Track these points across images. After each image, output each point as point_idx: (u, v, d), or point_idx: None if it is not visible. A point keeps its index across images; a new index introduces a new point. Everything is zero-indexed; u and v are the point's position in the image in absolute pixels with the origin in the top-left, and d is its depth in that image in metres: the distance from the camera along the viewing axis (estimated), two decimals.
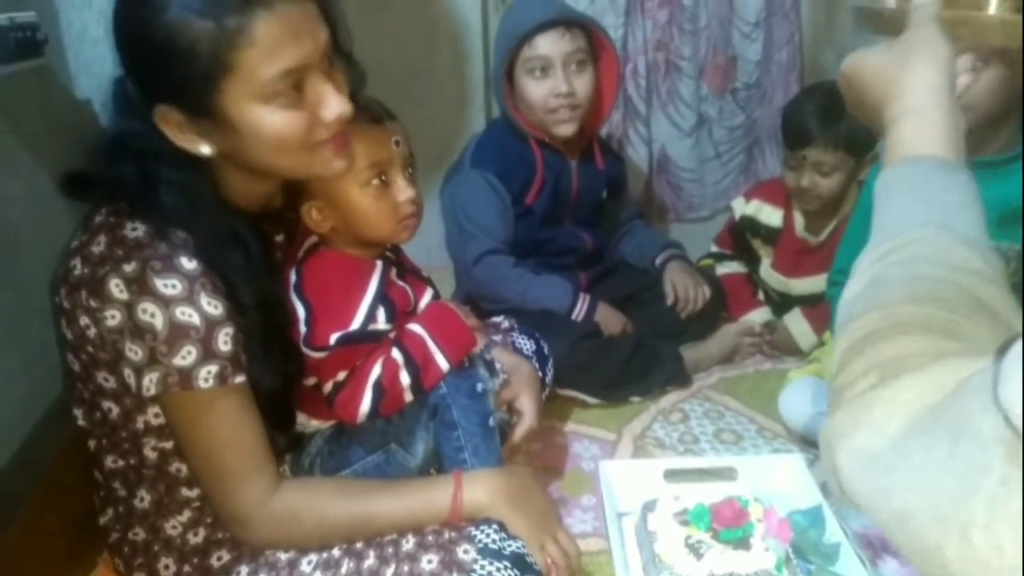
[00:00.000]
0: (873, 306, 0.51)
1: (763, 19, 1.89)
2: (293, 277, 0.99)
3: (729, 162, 2.00)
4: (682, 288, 1.57)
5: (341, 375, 0.99)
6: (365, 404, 0.98)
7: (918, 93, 0.61)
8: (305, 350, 0.96)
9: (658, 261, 1.63)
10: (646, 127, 1.92)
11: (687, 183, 1.98)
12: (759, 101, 1.97)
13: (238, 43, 0.76)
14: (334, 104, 0.83)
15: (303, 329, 0.96)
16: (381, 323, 1.00)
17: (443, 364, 1.00)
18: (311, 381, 1.00)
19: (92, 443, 0.96)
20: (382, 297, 1.00)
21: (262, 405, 0.89)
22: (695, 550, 0.99)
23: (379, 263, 1.03)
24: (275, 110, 0.80)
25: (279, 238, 1.01)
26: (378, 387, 0.98)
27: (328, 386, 0.99)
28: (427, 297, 1.09)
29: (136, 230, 0.82)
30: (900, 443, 0.43)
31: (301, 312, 0.97)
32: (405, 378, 0.98)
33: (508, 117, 1.50)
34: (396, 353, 0.99)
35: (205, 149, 0.82)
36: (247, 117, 0.80)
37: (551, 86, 1.41)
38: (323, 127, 0.84)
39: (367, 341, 0.99)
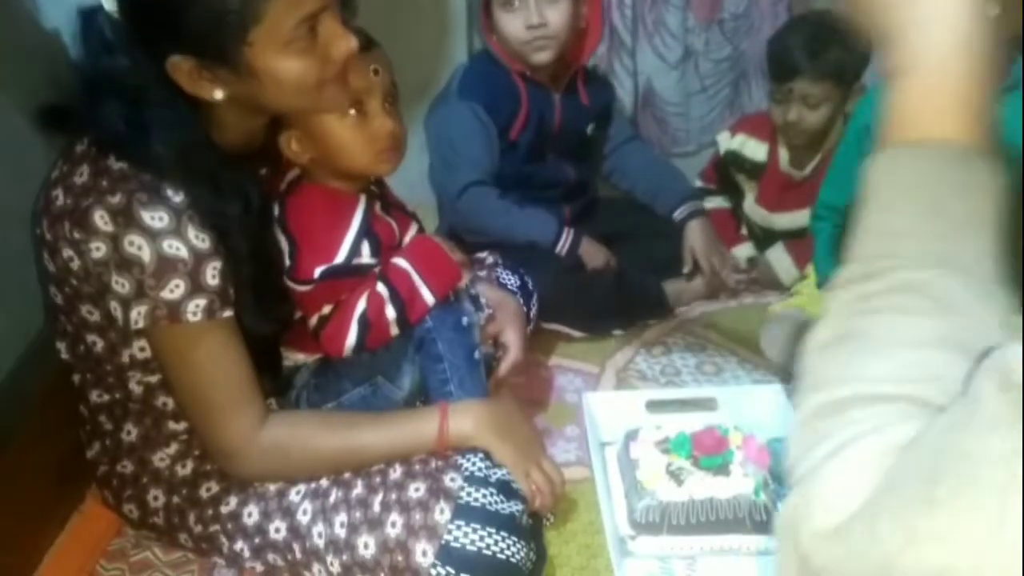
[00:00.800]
0: (839, 379, 0.43)
1: None
2: (275, 211, 0.98)
3: (715, 96, 1.97)
4: (705, 260, 1.52)
5: (326, 309, 0.98)
6: (351, 338, 0.98)
7: (936, 39, 0.48)
8: (289, 283, 0.96)
9: (677, 215, 1.57)
10: (631, 59, 1.88)
11: (672, 117, 1.96)
12: (746, 32, 1.93)
13: None
14: (344, 43, 0.84)
15: (287, 262, 0.96)
16: (366, 257, 0.99)
17: (429, 298, 1.00)
18: (297, 315, 1.00)
19: (76, 377, 0.96)
20: (366, 231, 1.00)
21: (251, 348, 0.89)
22: (676, 476, 1.01)
23: (363, 197, 1.02)
24: (294, 55, 0.81)
25: (263, 171, 0.99)
26: (364, 321, 0.98)
27: (313, 320, 0.99)
28: (412, 232, 1.08)
29: (120, 160, 0.81)
30: (868, 505, 0.37)
31: (284, 246, 0.96)
32: (391, 312, 0.98)
33: (489, 50, 1.47)
34: (381, 287, 0.98)
35: (218, 94, 0.82)
36: (268, 64, 0.80)
37: (523, 18, 1.38)
38: (332, 64, 0.84)
39: (352, 275, 0.99)
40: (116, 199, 0.79)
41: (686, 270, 1.54)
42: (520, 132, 1.48)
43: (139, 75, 0.80)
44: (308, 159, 0.98)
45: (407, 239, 1.07)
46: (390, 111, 0.98)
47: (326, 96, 0.87)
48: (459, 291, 1.05)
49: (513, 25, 1.40)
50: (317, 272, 0.96)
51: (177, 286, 0.80)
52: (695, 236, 1.56)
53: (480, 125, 1.44)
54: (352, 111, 0.94)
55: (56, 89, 0.85)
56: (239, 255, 0.85)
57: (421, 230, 1.10)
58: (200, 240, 0.81)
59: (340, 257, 0.97)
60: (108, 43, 0.80)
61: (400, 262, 1.01)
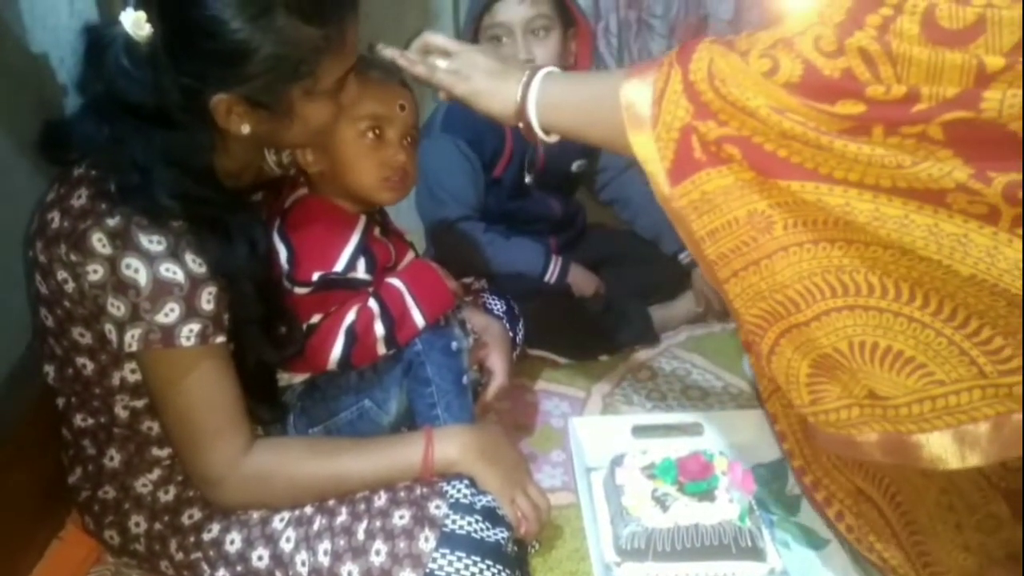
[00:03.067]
0: None
1: None
2: (278, 222, 1.00)
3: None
4: (717, 300, 1.51)
5: (315, 318, 0.99)
6: (336, 350, 0.98)
7: None
8: (288, 285, 0.97)
9: (684, 258, 1.57)
10: None
11: None
12: None
13: (331, 49, 0.82)
14: (356, 91, 0.92)
15: (285, 267, 0.97)
16: (361, 272, 1.00)
17: (419, 320, 1.00)
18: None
19: (61, 401, 0.95)
20: (364, 248, 1.01)
21: (249, 377, 0.90)
22: (661, 502, 1.01)
23: (363, 217, 1.04)
24: (327, 101, 0.87)
25: (257, 197, 1.01)
26: (350, 333, 0.98)
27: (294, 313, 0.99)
28: (408, 258, 1.10)
29: (125, 203, 0.82)
30: None
31: (283, 252, 0.98)
32: (379, 329, 0.98)
33: None
34: (372, 303, 0.99)
35: (245, 129, 0.85)
36: (307, 109, 0.85)
37: (511, 54, 1.37)
38: (341, 108, 0.91)
39: (346, 287, 0.99)
40: (115, 221, 0.80)
41: (699, 308, 1.56)
42: (504, 170, 1.49)
43: (158, 100, 0.80)
44: (318, 171, 1.01)
45: (403, 264, 1.08)
46: (407, 148, 1.02)
47: (326, 135, 0.94)
48: (449, 316, 1.06)
49: None
50: (315, 275, 0.97)
51: (172, 310, 0.81)
52: (704, 279, 1.56)
53: (463, 159, 1.44)
54: (371, 134, 0.99)
55: (47, 112, 0.85)
56: (247, 297, 0.87)
57: (417, 258, 1.12)
58: (197, 264, 0.82)
59: (338, 266, 0.99)
60: (122, 65, 0.80)
61: (395, 282, 1.01)
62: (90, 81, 0.83)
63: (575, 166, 1.58)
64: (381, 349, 0.99)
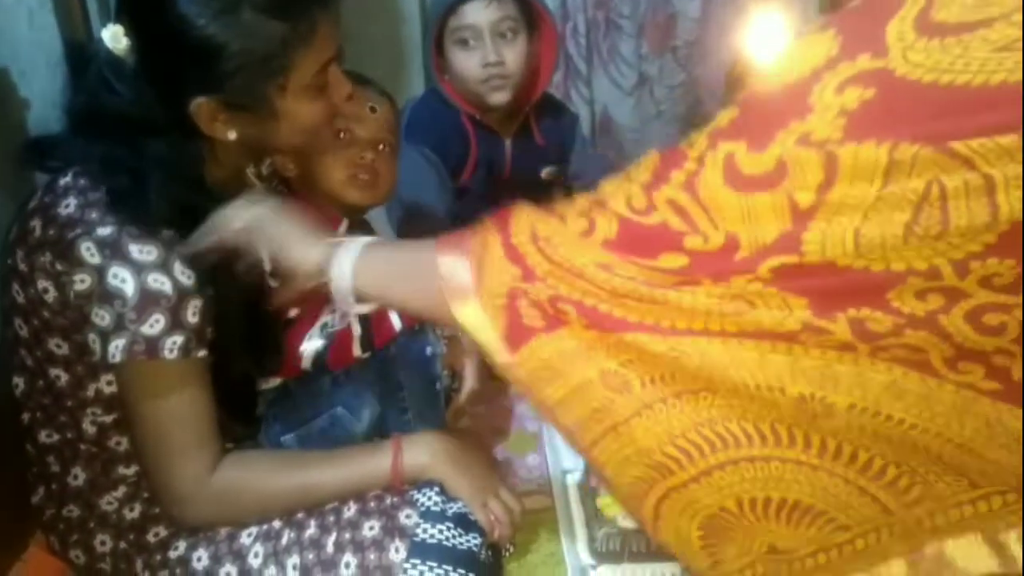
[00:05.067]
0: None
1: None
2: None
3: (671, 121, 2.01)
4: None
5: (292, 313, 0.98)
6: (312, 345, 0.97)
7: None
8: (272, 280, 0.95)
9: None
10: (587, 87, 1.91)
11: (630, 143, 1.99)
12: (699, 59, 1.97)
13: (304, 43, 0.81)
14: (344, 87, 0.90)
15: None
16: None
17: (396, 323, 0.99)
18: None
19: (26, 416, 0.93)
20: None
21: (228, 391, 0.89)
22: None
23: (345, 220, 1.05)
24: (312, 98, 0.86)
25: None
26: (326, 332, 0.97)
27: (281, 327, 0.99)
28: None
29: (116, 212, 0.81)
30: None
31: None
32: (356, 328, 0.97)
33: (438, 90, 1.45)
34: None
35: (231, 135, 0.84)
36: (291, 107, 0.84)
37: (479, 56, 1.37)
38: (332, 107, 0.89)
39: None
40: (106, 231, 0.79)
41: None
42: (471, 175, 1.48)
43: (145, 112, 0.81)
44: (293, 175, 1.03)
45: None
46: (381, 153, 1.03)
47: (322, 136, 0.95)
48: (424, 321, 1.05)
49: (469, 63, 1.38)
50: None
51: (157, 321, 0.80)
52: None
53: (429, 166, 1.43)
54: (342, 134, 1.00)
55: (8, 126, 0.85)
56: (233, 312, 0.86)
57: None
58: (186, 276, 0.81)
59: None
60: (107, 80, 0.81)
61: None
62: (76, 98, 0.83)
63: (545, 173, 1.56)
64: (357, 351, 0.99)
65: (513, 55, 1.38)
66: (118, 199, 0.81)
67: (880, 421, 0.59)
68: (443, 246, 0.73)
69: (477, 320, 0.70)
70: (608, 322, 0.64)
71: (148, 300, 0.79)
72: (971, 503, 0.61)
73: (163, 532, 0.91)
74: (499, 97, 1.40)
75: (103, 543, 0.92)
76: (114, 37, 0.80)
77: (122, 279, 0.79)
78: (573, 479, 1.13)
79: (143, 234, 0.80)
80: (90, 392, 0.88)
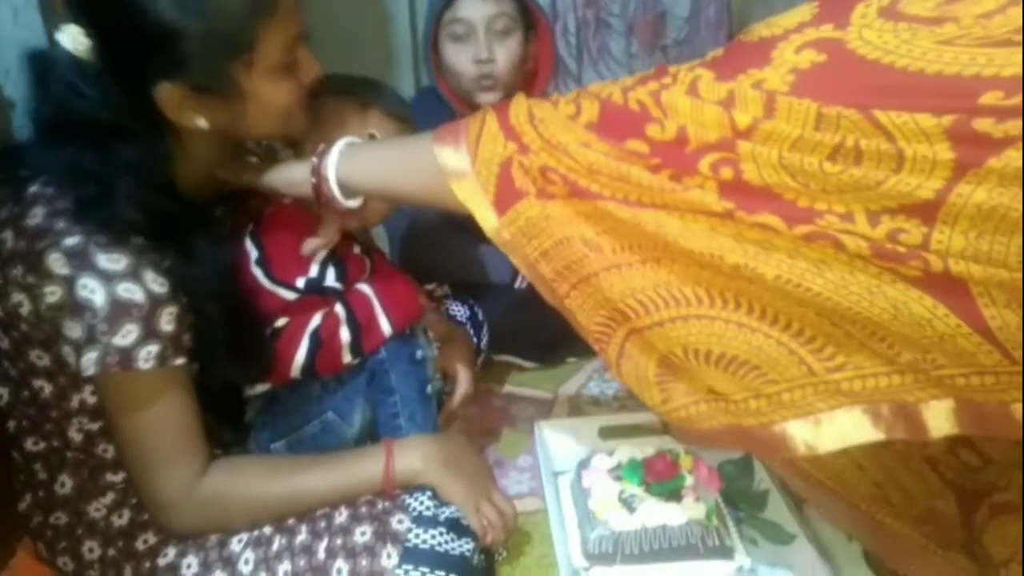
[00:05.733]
0: None
1: None
2: (250, 226, 0.98)
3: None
4: None
5: (281, 321, 0.97)
6: (300, 354, 0.96)
7: None
8: (270, 286, 0.95)
9: None
10: (577, 85, 1.91)
11: None
12: (689, 58, 1.96)
13: (266, 17, 0.79)
14: (314, 67, 0.87)
15: (257, 270, 0.95)
16: (330, 280, 0.98)
17: (386, 328, 0.98)
18: None
19: (12, 424, 0.92)
20: (334, 257, 1.00)
21: (213, 397, 0.88)
22: (628, 504, 1.01)
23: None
24: (281, 78, 0.83)
25: (217, 212, 0.98)
26: (315, 337, 0.96)
27: (266, 333, 0.97)
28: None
29: (84, 221, 0.79)
30: None
31: (253, 253, 0.96)
32: (345, 335, 0.96)
33: (435, 88, 1.45)
34: (339, 308, 0.97)
35: (201, 123, 0.82)
36: (259, 87, 0.82)
37: (472, 52, 1.36)
38: (302, 88, 0.87)
39: (317, 294, 0.98)
40: (74, 240, 0.78)
41: None
42: None
43: (113, 113, 0.79)
44: None
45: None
46: None
47: (296, 121, 0.89)
48: (414, 325, 1.04)
49: (460, 58, 1.37)
50: (301, 282, 0.96)
51: (130, 332, 0.78)
52: None
53: None
54: None
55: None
56: (211, 318, 0.84)
57: (388, 266, 1.10)
58: (158, 284, 0.80)
59: (312, 272, 0.97)
60: (72, 84, 0.78)
61: (363, 288, 1.00)
62: (41, 105, 0.82)
63: None
64: (346, 357, 0.98)
65: (505, 53, 1.37)
66: (85, 207, 0.79)
67: (802, 291, 0.67)
68: (440, 136, 0.83)
69: (470, 191, 0.81)
70: (584, 193, 0.76)
71: (119, 310, 0.77)
72: (886, 375, 0.69)
73: (152, 539, 0.90)
74: (488, 98, 1.39)
75: (91, 550, 0.91)
76: (72, 38, 0.78)
77: (91, 290, 0.77)
78: (565, 481, 1.13)
79: (111, 242, 0.78)
80: (74, 403, 0.87)
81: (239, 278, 0.93)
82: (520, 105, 0.80)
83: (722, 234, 0.70)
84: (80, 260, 0.77)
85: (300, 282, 0.96)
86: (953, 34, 0.58)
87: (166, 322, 0.80)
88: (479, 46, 1.35)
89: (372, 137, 0.99)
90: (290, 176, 0.91)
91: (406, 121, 1.02)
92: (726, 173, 0.67)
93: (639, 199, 0.73)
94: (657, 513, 0.99)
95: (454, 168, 0.81)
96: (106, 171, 0.79)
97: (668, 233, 0.72)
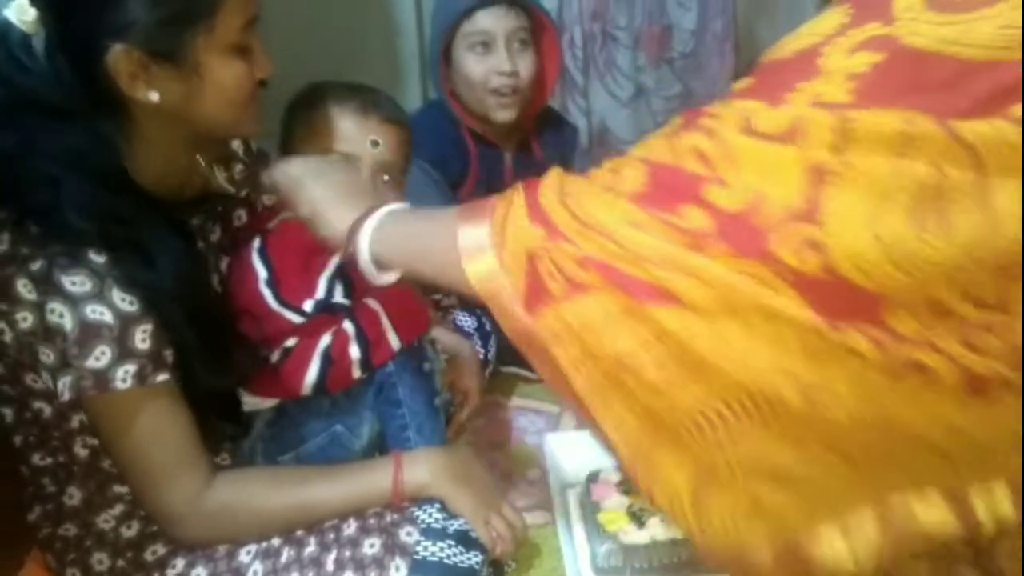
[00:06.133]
0: None
1: None
2: (257, 243, 0.98)
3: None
4: None
5: (290, 342, 0.96)
6: (311, 373, 0.96)
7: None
8: (278, 308, 0.94)
9: None
10: (584, 98, 1.92)
11: None
12: (695, 70, 1.98)
13: None
14: (268, 64, 0.86)
15: (266, 290, 0.95)
16: (338, 296, 0.98)
17: (395, 343, 0.98)
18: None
19: (18, 439, 0.92)
20: (341, 273, 0.99)
21: (206, 401, 0.87)
22: (637, 518, 1.00)
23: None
24: (236, 60, 0.81)
25: (196, 221, 0.97)
26: (326, 356, 0.96)
27: (276, 354, 0.97)
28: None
29: (35, 223, 0.78)
30: None
31: (263, 273, 0.95)
32: (355, 351, 0.96)
33: (444, 103, 1.44)
34: (348, 325, 0.97)
35: (153, 96, 0.79)
36: (214, 63, 0.80)
37: (493, 63, 1.35)
38: (254, 82, 0.85)
39: (325, 311, 0.97)
40: (37, 265, 0.77)
41: None
42: (471, 191, 1.47)
43: (61, 88, 0.77)
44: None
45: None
46: (388, 183, 0.99)
47: (247, 117, 0.87)
48: (422, 337, 1.04)
49: (480, 69, 1.36)
50: (308, 305, 0.95)
51: (103, 353, 0.77)
52: None
53: (430, 181, 1.41)
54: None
55: None
56: (177, 321, 0.83)
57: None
58: (127, 303, 0.78)
59: (320, 292, 0.97)
60: (16, 59, 0.77)
61: (371, 303, 1.00)
62: None
63: None
64: (356, 372, 0.97)
65: (526, 66, 1.37)
66: (34, 215, 0.77)
67: (881, 430, 0.56)
68: (464, 214, 0.73)
69: (494, 285, 0.68)
70: (634, 287, 0.61)
71: (89, 333, 0.76)
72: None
73: (161, 550, 0.90)
74: (505, 115, 1.39)
75: (100, 561, 0.91)
76: (19, 10, 0.75)
77: (60, 314, 0.76)
78: (575, 494, 1.12)
79: (73, 264, 0.77)
80: (74, 423, 0.86)
81: (206, 283, 0.92)
82: (551, 181, 0.69)
83: (797, 349, 0.56)
84: (45, 285, 0.76)
85: (308, 305, 0.96)
86: (1009, 17, 0.50)
87: (140, 340, 0.79)
88: (501, 58, 1.34)
89: (375, 144, 0.98)
90: (328, 232, 0.83)
91: (405, 125, 1.02)
92: (813, 260, 0.54)
93: (692, 300, 0.59)
94: (666, 527, 0.99)
95: (476, 256, 0.69)
96: (54, 164, 0.77)
97: (728, 347, 0.58)
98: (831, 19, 0.57)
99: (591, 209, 0.63)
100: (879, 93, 0.53)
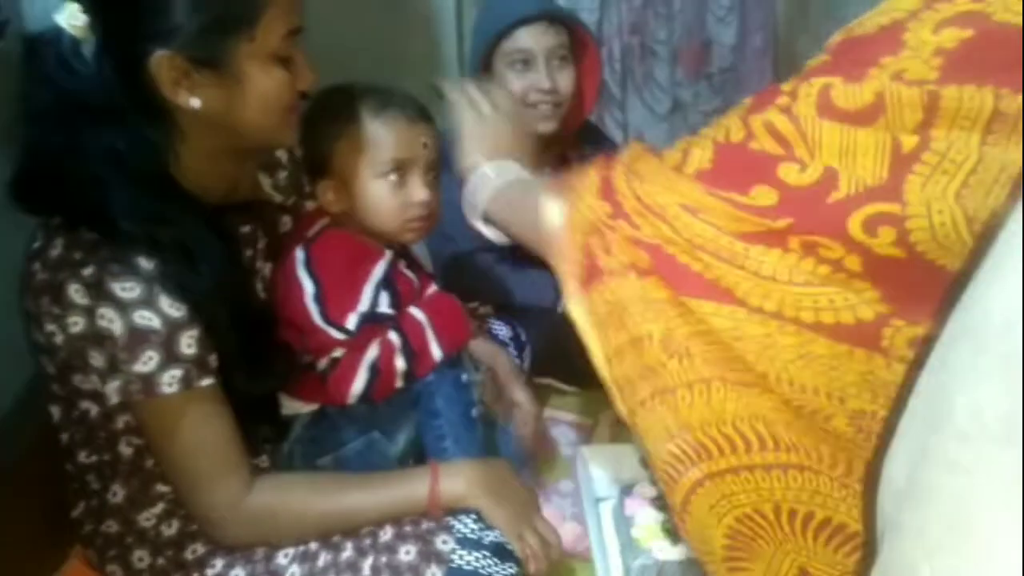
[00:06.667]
0: None
1: (738, 3, 1.89)
2: (301, 254, 0.99)
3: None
4: None
5: (337, 352, 0.97)
6: (358, 384, 0.97)
7: None
8: (323, 326, 0.96)
9: None
10: (621, 112, 1.92)
11: None
12: (734, 86, 1.98)
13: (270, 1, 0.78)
14: (310, 75, 0.86)
15: (313, 306, 0.96)
16: (384, 306, 1.00)
17: (437, 354, 0.99)
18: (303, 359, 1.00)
19: (65, 437, 0.94)
20: (387, 282, 1.01)
21: (246, 404, 0.88)
22: (672, 534, 1.00)
23: (388, 251, 1.03)
24: (277, 69, 0.82)
25: (246, 229, 0.98)
26: (374, 368, 0.97)
27: (323, 362, 0.99)
28: (431, 290, 1.09)
29: (92, 231, 0.80)
30: None
31: (310, 288, 0.96)
32: (400, 363, 0.97)
33: None
34: (394, 336, 0.98)
35: (195, 102, 0.80)
36: (255, 71, 0.81)
37: (532, 80, 1.36)
38: (294, 93, 0.86)
39: (370, 322, 0.98)
40: (88, 271, 0.78)
41: None
42: None
43: (106, 91, 0.78)
44: (340, 211, 1.01)
45: (425, 297, 1.08)
46: (430, 183, 1.01)
47: (287, 127, 0.88)
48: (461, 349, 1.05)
49: (519, 87, 1.37)
50: (352, 322, 0.96)
51: (151, 358, 0.79)
52: None
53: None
54: (393, 176, 0.98)
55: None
56: (219, 325, 0.84)
57: (438, 290, 1.11)
58: (174, 309, 0.80)
59: (362, 306, 0.98)
60: (65, 63, 0.78)
61: (416, 314, 1.01)
62: (34, 90, 0.80)
63: None
64: (399, 383, 0.99)
65: (565, 82, 1.37)
66: (83, 218, 0.79)
67: None
68: (551, 188, 0.75)
69: (562, 257, 0.69)
70: (683, 279, 0.60)
71: (137, 338, 0.78)
72: None
73: (201, 550, 0.91)
74: (546, 126, 1.39)
75: (140, 559, 0.93)
76: (71, 15, 0.77)
77: (109, 319, 0.78)
78: (607, 508, 1.12)
79: (123, 271, 0.78)
80: (119, 424, 0.88)
81: (251, 288, 0.93)
82: (627, 155, 0.69)
83: (851, 371, 0.54)
84: (97, 291, 0.78)
85: (352, 322, 0.96)
86: None
87: (187, 345, 0.80)
88: (540, 76, 1.35)
89: (425, 146, 0.99)
90: (461, 162, 0.90)
91: (434, 122, 1.03)
92: (886, 236, 0.52)
93: (746, 297, 0.57)
94: None
95: (554, 226, 0.71)
96: (102, 167, 0.79)
97: (776, 357, 0.56)
98: None
99: (652, 190, 0.63)
100: (967, 70, 0.51)
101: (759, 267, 0.57)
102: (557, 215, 0.71)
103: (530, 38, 1.35)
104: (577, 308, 0.68)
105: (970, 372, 0.40)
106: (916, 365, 0.53)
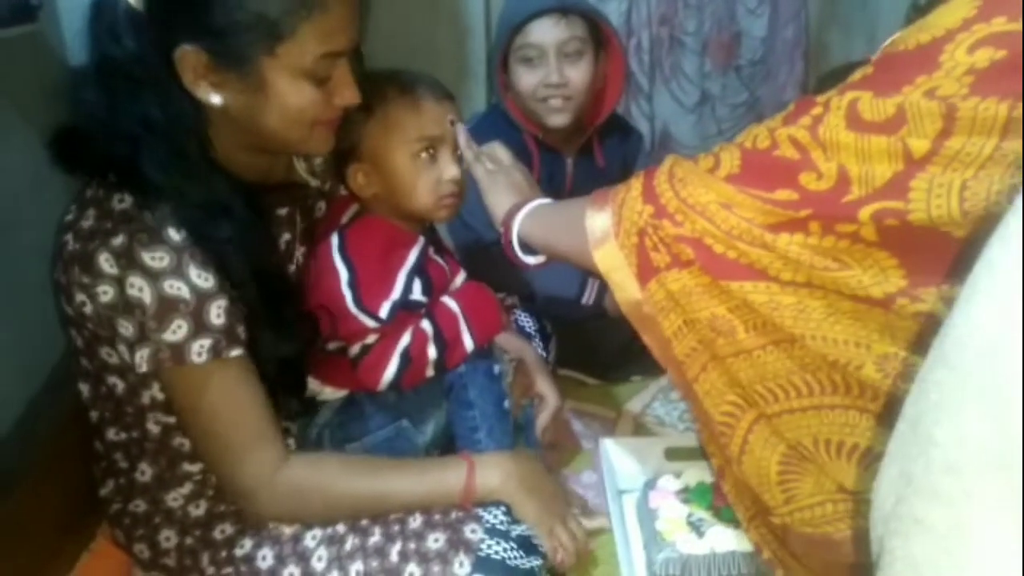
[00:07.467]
0: None
1: None
2: (336, 240, 0.99)
3: (732, 140, 1.99)
4: None
5: (371, 338, 0.98)
6: (390, 371, 0.97)
7: None
8: (356, 312, 0.96)
9: None
10: (648, 103, 1.90)
11: None
12: (763, 78, 1.95)
13: (308, 15, 0.78)
14: (351, 93, 0.86)
15: (347, 292, 0.96)
16: (416, 294, 1.00)
17: (469, 344, 0.99)
18: (332, 345, 1.00)
19: (94, 415, 0.95)
20: (420, 269, 1.01)
21: (273, 372, 0.88)
22: (696, 528, 0.99)
23: (421, 237, 1.04)
24: (308, 84, 0.81)
25: (282, 211, 0.99)
26: (405, 356, 0.97)
27: (355, 348, 0.99)
28: (461, 277, 1.09)
29: (123, 202, 0.81)
30: None
31: (344, 274, 0.97)
32: (432, 352, 0.97)
33: (502, 109, 1.44)
34: (427, 325, 0.98)
35: (215, 99, 0.81)
36: (281, 83, 0.80)
37: (542, 75, 1.35)
38: (332, 109, 0.86)
39: (403, 308, 0.98)
40: (119, 240, 0.79)
41: None
42: None
43: (143, 66, 0.79)
44: (372, 194, 1.01)
45: (456, 284, 1.08)
46: (458, 160, 1.01)
47: (315, 137, 0.87)
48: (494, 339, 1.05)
49: (530, 81, 1.36)
50: (385, 311, 0.96)
51: (180, 327, 0.79)
52: None
53: None
54: (424, 154, 0.98)
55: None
56: (241, 278, 0.84)
57: (472, 280, 1.10)
58: (203, 279, 0.80)
59: (395, 293, 0.98)
60: (116, 32, 0.79)
61: (450, 303, 1.01)
62: (90, 49, 0.82)
63: None
64: (430, 372, 0.99)
65: (578, 76, 1.36)
66: (113, 168, 0.80)
67: None
68: (593, 199, 0.83)
69: (613, 261, 0.79)
70: (720, 264, 0.71)
71: (167, 307, 0.79)
72: None
73: (229, 529, 0.92)
74: (558, 119, 1.38)
75: (168, 538, 0.93)
76: None
77: (139, 288, 0.78)
78: (630, 500, 1.12)
79: (153, 241, 0.79)
80: (145, 399, 0.88)
81: (275, 255, 0.93)
82: (666, 164, 0.77)
83: (873, 322, 0.64)
84: (127, 260, 0.78)
85: (385, 310, 0.96)
86: None
87: (215, 315, 0.81)
88: (549, 70, 1.34)
89: (453, 123, 1.00)
90: (491, 211, 0.99)
91: (453, 99, 1.04)
92: (891, 223, 0.61)
93: (778, 275, 0.67)
94: (727, 539, 0.97)
95: (600, 235, 0.79)
96: (136, 129, 0.80)
97: (809, 319, 0.67)
98: (956, 11, 0.58)
99: (692, 189, 0.72)
100: (992, 86, 0.55)
101: (787, 251, 0.67)
102: (603, 223, 0.79)
103: (540, 32, 1.34)
104: (643, 304, 0.77)
105: (949, 403, 0.44)
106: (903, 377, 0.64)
